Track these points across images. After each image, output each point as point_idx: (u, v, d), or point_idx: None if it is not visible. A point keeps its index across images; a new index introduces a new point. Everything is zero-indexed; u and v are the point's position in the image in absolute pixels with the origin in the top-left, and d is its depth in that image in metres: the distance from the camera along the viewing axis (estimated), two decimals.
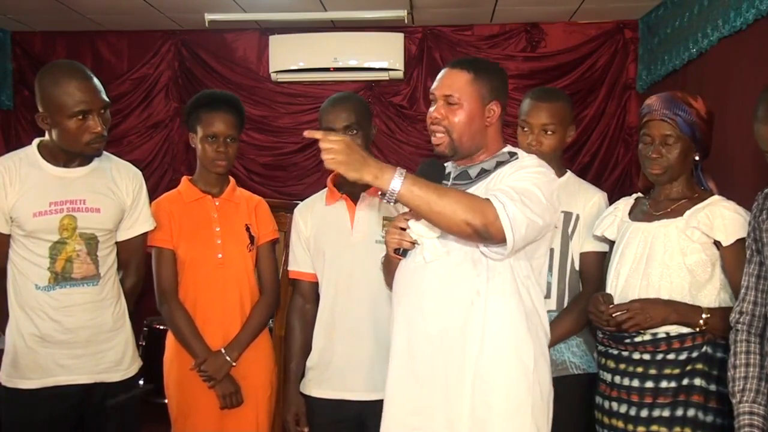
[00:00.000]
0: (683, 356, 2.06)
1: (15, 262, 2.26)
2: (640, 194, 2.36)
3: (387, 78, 4.89)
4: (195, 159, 2.61)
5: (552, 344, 2.15)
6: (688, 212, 2.13)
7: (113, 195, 2.33)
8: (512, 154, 2.00)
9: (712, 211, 2.09)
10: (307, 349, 2.48)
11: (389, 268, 2.11)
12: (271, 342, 2.67)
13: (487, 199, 1.76)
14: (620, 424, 2.11)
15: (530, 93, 2.56)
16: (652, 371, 2.08)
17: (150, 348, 3.74)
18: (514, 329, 1.86)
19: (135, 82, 5.05)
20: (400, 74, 4.85)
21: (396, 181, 1.73)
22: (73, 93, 2.17)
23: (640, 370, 2.10)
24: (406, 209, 1.93)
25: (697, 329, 2.05)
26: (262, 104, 5.02)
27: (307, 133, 1.80)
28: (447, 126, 1.94)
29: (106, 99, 2.25)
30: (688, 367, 2.05)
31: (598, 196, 2.48)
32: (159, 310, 2.53)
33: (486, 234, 1.74)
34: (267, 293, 2.60)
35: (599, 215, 2.39)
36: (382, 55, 4.79)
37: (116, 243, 2.39)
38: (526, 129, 2.47)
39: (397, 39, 4.81)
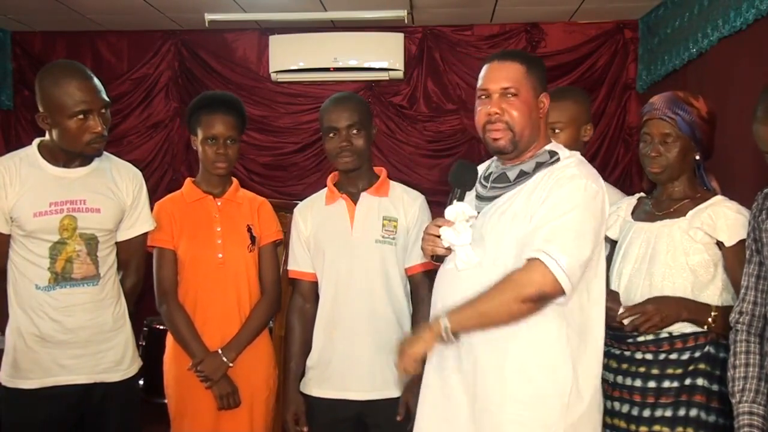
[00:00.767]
0: (686, 356, 2.06)
1: (15, 262, 2.26)
2: (642, 194, 2.35)
3: (387, 78, 4.88)
4: (195, 159, 2.62)
5: None
6: (690, 212, 2.13)
7: (113, 195, 2.33)
8: (552, 154, 1.92)
9: (715, 211, 2.09)
10: (306, 348, 2.48)
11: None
12: (270, 343, 2.67)
13: (533, 261, 1.72)
14: (622, 424, 2.10)
15: None
16: (655, 371, 2.07)
17: (150, 348, 3.73)
18: (549, 348, 1.81)
19: (135, 82, 5.05)
20: (400, 74, 4.85)
21: (444, 323, 1.77)
22: (73, 93, 2.17)
23: (642, 369, 2.09)
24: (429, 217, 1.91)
25: (706, 327, 2.05)
26: (262, 104, 5.02)
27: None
28: (509, 121, 1.88)
29: (107, 99, 2.25)
30: (691, 367, 2.04)
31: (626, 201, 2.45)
32: (158, 310, 2.53)
33: (545, 297, 1.74)
34: (267, 294, 2.59)
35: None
36: (382, 55, 4.79)
37: (116, 243, 2.38)
38: None
39: (397, 39, 4.81)
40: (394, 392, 2.32)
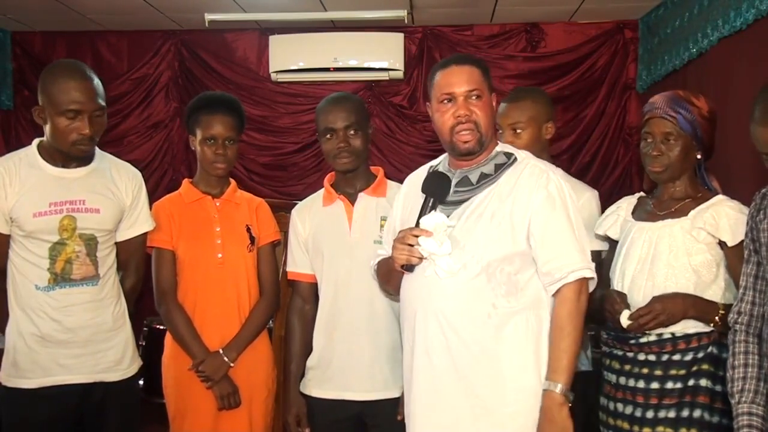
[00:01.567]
0: (689, 357, 2.05)
1: (15, 263, 2.26)
2: (642, 193, 2.35)
3: (387, 78, 4.88)
4: (195, 159, 2.61)
5: None
6: (692, 212, 2.12)
7: (113, 195, 2.33)
8: (508, 155, 2.01)
9: (717, 211, 2.08)
10: (306, 349, 2.47)
11: (390, 279, 2.10)
12: (269, 343, 2.66)
13: (582, 282, 1.88)
14: (625, 426, 2.10)
15: None
16: (658, 372, 2.07)
17: (150, 348, 3.73)
18: (535, 339, 1.88)
19: (135, 82, 5.05)
20: (400, 74, 4.85)
21: (562, 389, 1.84)
22: (68, 91, 2.17)
23: (645, 371, 2.09)
24: (412, 224, 1.93)
25: (712, 325, 2.05)
26: (262, 104, 5.02)
27: None
28: (477, 121, 1.94)
29: (102, 103, 2.24)
30: (694, 368, 2.04)
31: (588, 194, 2.49)
32: (157, 310, 2.53)
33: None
34: (266, 294, 2.59)
35: (591, 214, 2.39)
36: (382, 55, 4.79)
37: (116, 243, 2.38)
38: (499, 131, 2.49)
39: (397, 39, 4.81)
40: (394, 392, 2.32)
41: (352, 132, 2.38)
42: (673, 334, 2.07)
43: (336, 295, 2.39)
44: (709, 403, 2.02)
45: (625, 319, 2.08)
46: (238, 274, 2.53)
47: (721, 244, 2.08)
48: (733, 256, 2.05)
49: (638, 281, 2.14)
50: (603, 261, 2.34)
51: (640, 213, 2.27)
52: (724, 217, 2.07)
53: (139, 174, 2.46)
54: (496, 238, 1.88)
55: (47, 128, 2.23)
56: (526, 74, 4.86)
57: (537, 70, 4.86)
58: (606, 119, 4.85)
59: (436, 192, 1.96)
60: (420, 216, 1.91)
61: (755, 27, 3.15)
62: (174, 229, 2.51)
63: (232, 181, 2.64)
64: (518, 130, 2.48)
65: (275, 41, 4.85)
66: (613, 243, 2.32)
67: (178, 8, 4.51)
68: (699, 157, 2.18)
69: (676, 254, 2.10)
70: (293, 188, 4.94)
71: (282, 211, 2.81)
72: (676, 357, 2.06)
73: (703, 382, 2.03)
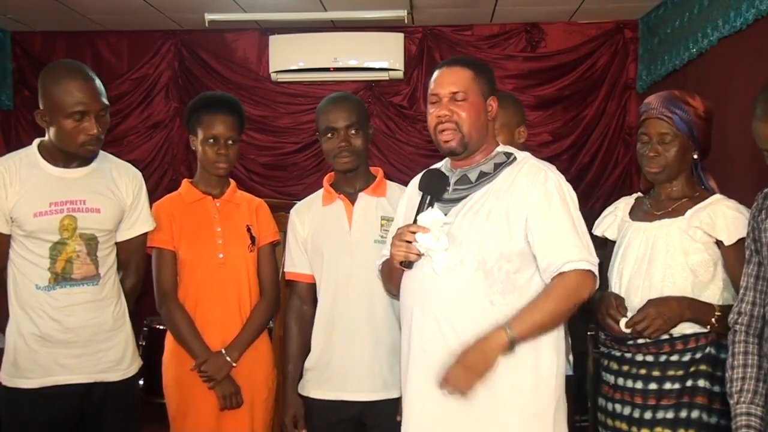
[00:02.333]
0: (687, 357, 2.05)
1: (15, 262, 2.26)
2: (640, 194, 2.35)
3: (387, 78, 4.89)
4: (195, 159, 2.61)
5: None
6: (689, 212, 2.12)
7: (113, 195, 2.33)
8: (508, 155, 2.02)
9: (714, 210, 2.08)
10: (304, 350, 2.47)
11: (391, 277, 2.11)
12: (269, 344, 2.66)
13: (582, 272, 1.86)
14: (624, 427, 2.10)
15: None
16: (656, 373, 2.07)
17: (150, 348, 3.74)
18: (532, 341, 1.88)
19: (135, 82, 5.05)
20: (400, 74, 4.85)
21: (510, 334, 1.82)
22: (72, 93, 2.16)
23: (643, 371, 2.09)
24: (410, 221, 1.93)
25: (708, 327, 2.05)
26: (262, 104, 5.02)
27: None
28: (458, 121, 1.95)
29: (106, 102, 2.25)
30: (692, 369, 2.04)
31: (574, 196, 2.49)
32: (158, 311, 2.52)
33: (585, 300, 1.90)
34: (266, 295, 2.59)
35: None
36: (382, 55, 4.80)
37: (116, 243, 2.38)
38: None
39: (397, 39, 4.81)
40: (393, 393, 2.32)
41: (352, 132, 2.38)
42: (671, 334, 2.07)
43: (335, 295, 2.38)
44: (708, 403, 2.02)
45: (623, 327, 2.09)
46: (239, 274, 2.53)
47: (719, 243, 2.08)
48: (730, 256, 2.05)
49: (635, 281, 2.14)
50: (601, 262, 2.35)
51: (637, 213, 2.27)
52: (720, 217, 2.07)
53: (139, 174, 2.46)
54: (492, 235, 1.89)
55: (52, 131, 2.22)
56: (526, 74, 4.86)
57: (537, 70, 4.86)
58: (606, 119, 4.85)
59: (433, 189, 1.98)
60: (417, 213, 1.94)
61: (755, 27, 3.15)
62: (175, 229, 2.51)
63: (232, 182, 2.64)
64: None
65: (275, 41, 4.85)
66: (611, 244, 2.31)
67: (178, 8, 4.51)
68: (695, 156, 2.18)
69: (673, 254, 2.10)
70: (293, 188, 4.94)
71: (282, 211, 2.81)
72: (674, 358, 2.06)
73: (701, 383, 2.03)
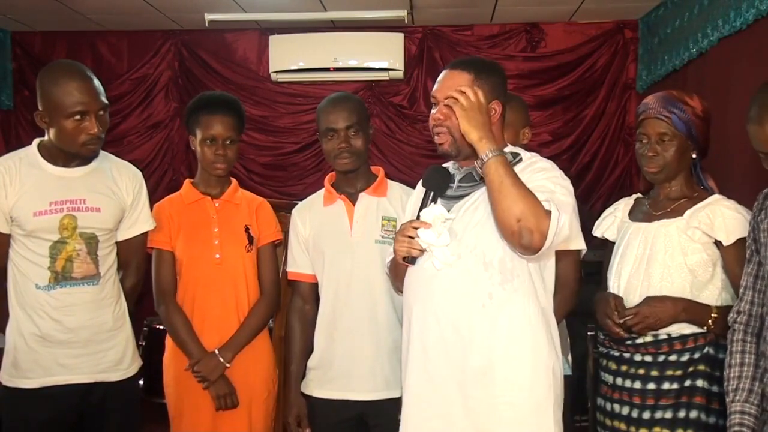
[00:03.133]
0: (685, 357, 2.06)
1: (15, 262, 2.26)
2: (639, 194, 2.35)
3: (387, 78, 4.89)
4: (195, 159, 2.61)
5: None
6: (688, 212, 2.12)
7: (113, 195, 2.33)
8: (515, 155, 2.01)
9: (712, 210, 2.09)
10: (307, 350, 2.47)
11: (397, 273, 2.12)
12: (270, 343, 2.66)
13: (548, 211, 1.78)
14: (622, 426, 2.10)
15: None
16: (654, 373, 2.07)
17: (150, 348, 3.74)
18: (531, 330, 1.89)
19: (135, 82, 5.05)
20: (400, 74, 4.85)
21: (489, 154, 1.81)
22: (71, 93, 2.17)
23: (641, 371, 2.09)
24: (410, 215, 1.94)
25: (705, 329, 2.05)
26: (262, 104, 5.02)
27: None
28: (450, 126, 1.96)
29: (105, 101, 2.25)
30: (690, 369, 2.04)
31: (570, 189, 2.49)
32: (156, 311, 2.53)
33: (525, 239, 1.78)
34: (266, 294, 2.59)
35: None
36: (382, 55, 4.79)
37: (116, 243, 2.38)
38: None
39: (397, 39, 4.81)
40: (395, 392, 2.32)
41: (352, 132, 2.38)
42: (669, 334, 2.07)
43: (337, 295, 2.39)
44: (706, 403, 2.02)
45: (617, 322, 2.09)
46: (236, 274, 2.53)
47: (717, 243, 2.08)
48: (729, 256, 2.06)
49: (634, 281, 2.14)
50: (601, 262, 2.35)
51: (636, 214, 2.28)
52: (719, 217, 2.07)
53: (139, 173, 2.46)
54: (492, 230, 1.89)
55: (52, 131, 2.23)
56: (526, 74, 4.86)
57: (537, 70, 4.86)
58: (606, 119, 4.85)
59: (436, 186, 1.99)
60: (420, 209, 1.94)
61: (755, 27, 3.15)
62: (173, 229, 2.52)
63: (234, 181, 2.64)
64: None
65: (275, 41, 4.85)
66: (611, 245, 2.32)
67: (178, 8, 4.51)
68: (694, 156, 2.19)
69: (672, 254, 2.10)
70: (293, 188, 4.95)
71: (282, 211, 2.81)
72: (673, 357, 2.07)
73: (700, 383, 2.03)
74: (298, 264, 2.50)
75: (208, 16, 4.52)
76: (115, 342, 2.34)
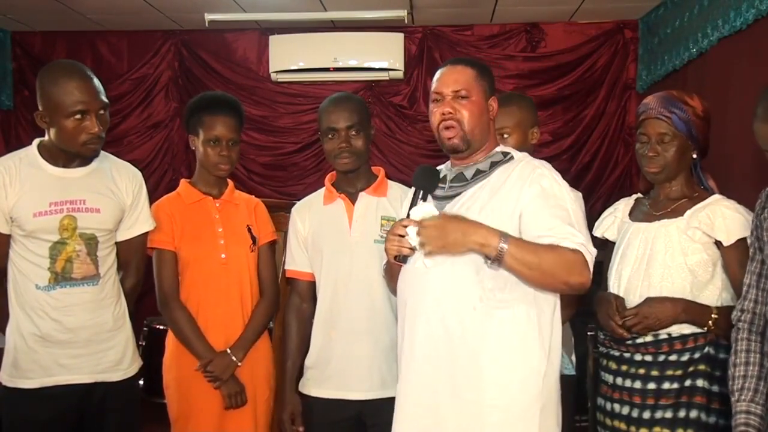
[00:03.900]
0: (685, 357, 2.06)
1: (15, 262, 2.26)
2: (639, 194, 2.36)
3: (387, 78, 4.89)
4: (195, 159, 2.61)
5: None
6: (688, 212, 2.13)
7: (113, 195, 2.33)
8: (505, 154, 2.03)
9: (713, 210, 2.09)
10: (303, 348, 2.48)
11: (392, 274, 2.12)
12: (270, 343, 2.67)
13: (576, 252, 1.80)
14: (622, 426, 2.10)
15: None
16: (654, 372, 2.07)
17: (150, 348, 3.74)
18: (523, 335, 1.88)
19: (135, 82, 5.05)
20: (400, 74, 4.85)
21: (501, 249, 1.78)
22: (71, 93, 2.16)
23: (642, 371, 2.09)
24: (403, 215, 1.94)
25: (706, 329, 2.05)
26: (262, 104, 5.02)
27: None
28: (460, 119, 1.97)
29: (105, 100, 2.25)
30: (691, 368, 2.04)
31: (572, 195, 2.49)
32: (161, 312, 2.52)
33: (576, 289, 1.84)
34: (266, 295, 2.60)
35: None
36: (382, 55, 4.80)
37: (116, 243, 2.38)
38: None
39: (397, 39, 4.81)
40: (392, 392, 2.31)
41: (353, 132, 2.38)
42: (669, 334, 2.07)
43: (335, 294, 2.39)
44: (706, 403, 2.02)
45: (629, 320, 2.09)
46: (241, 274, 2.53)
47: (718, 243, 2.08)
48: (729, 256, 2.06)
49: (634, 281, 2.14)
50: (601, 262, 2.35)
51: (636, 214, 2.28)
52: (719, 217, 2.07)
53: (139, 174, 2.46)
54: None
55: (52, 131, 2.22)
56: (526, 74, 4.86)
57: (537, 70, 4.86)
58: (606, 119, 4.85)
59: (425, 184, 2.00)
60: (410, 208, 1.94)
61: (755, 27, 3.16)
62: (176, 230, 2.51)
63: (230, 182, 2.64)
64: (505, 135, 2.51)
65: (275, 41, 4.85)
66: (611, 245, 2.32)
67: (178, 8, 4.51)
68: (695, 156, 2.19)
69: (672, 254, 2.10)
70: (293, 188, 4.95)
71: (282, 211, 2.82)
72: (673, 357, 2.07)
73: (700, 383, 2.03)
74: (296, 262, 2.50)
75: (208, 16, 4.52)
76: (115, 342, 2.34)
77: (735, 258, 2.03)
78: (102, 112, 2.23)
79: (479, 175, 2.00)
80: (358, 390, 2.35)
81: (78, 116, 2.18)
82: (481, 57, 4.77)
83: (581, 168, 4.83)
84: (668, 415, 2.03)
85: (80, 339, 2.26)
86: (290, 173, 5.05)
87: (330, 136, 2.40)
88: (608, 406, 2.16)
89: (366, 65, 4.80)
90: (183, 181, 2.64)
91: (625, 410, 2.11)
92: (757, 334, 1.88)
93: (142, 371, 2.44)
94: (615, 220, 2.31)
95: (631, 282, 2.15)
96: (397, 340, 2.14)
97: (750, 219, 1.97)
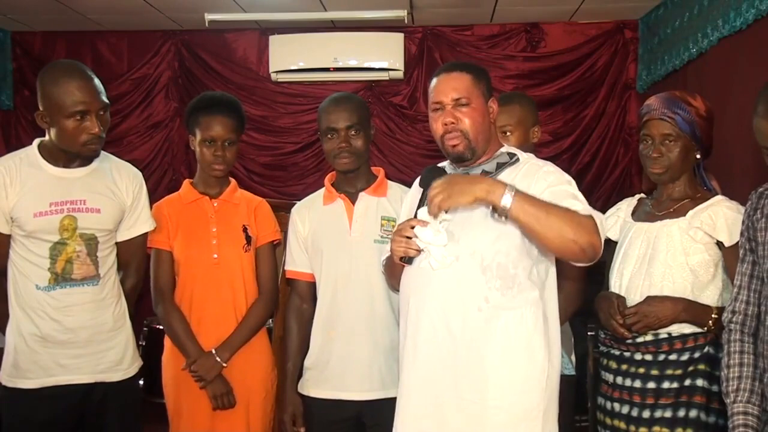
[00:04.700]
0: (685, 357, 2.06)
1: (15, 263, 2.26)
2: (643, 195, 2.36)
3: (387, 78, 4.89)
4: (195, 159, 2.62)
5: None
6: (690, 212, 2.13)
7: (113, 195, 2.33)
8: (511, 155, 2.03)
9: (714, 211, 2.09)
10: (304, 348, 2.47)
11: (393, 272, 2.12)
12: (268, 343, 2.66)
13: (588, 216, 1.78)
14: (622, 425, 2.11)
15: None
16: (654, 372, 2.08)
17: (150, 348, 3.73)
18: (528, 337, 1.88)
19: (135, 82, 5.05)
20: (400, 74, 4.85)
21: (507, 197, 1.73)
22: (72, 93, 2.16)
23: (642, 370, 2.10)
24: (411, 216, 1.94)
25: (706, 329, 2.05)
26: (262, 104, 5.02)
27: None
28: (462, 129, 1.96)
29: (106, 100, 2.25)
30: (690, 368, 2.05)
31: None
32: (154, 310, 2.53)
33: (588, 253, 1.79)
34: (264, 294, 2.59)
35: None
36: (382, 55, 4.79)
37: (116, 243, 2.38)
38: None
39: (397, 39, 4.81)
40: (392, 392, 2.31)
41: (353, 132, 2.38)
42: (669, 334, 2.08)
43: (335, 295, 2.39)
44: (706, 403, 2.02)
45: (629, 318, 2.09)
46: (233, 274, 2.53)
47: (719, 244, 2.08)
48: (731, 257, 2.05)
49: (636, 281, 2.15)
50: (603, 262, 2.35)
51: (639, 214, 2.28)
52: (721, 218, 2.07)
53: (139, 174, 2.46)
54: (490, 231, 1.89)
55: (53, 131, 2.23)
56: (526, 74, 4.86)
57: (537, 70, 4.86)
58: (606, 119, 4.85)
59: (431, 183, 1.98)
60: (418, 208, 1.94)
61: (755, 27, 3.16)
62: (171, 229, 2.52)
63: (233, 181, 2.64)
64: (507, 133, 2.53)
65: (275, 41, 4.85)
66: (613, 245, 2.32)
67: (178, 8, 4.51)
68: (698, 156, 2.19)
69: (674, 254, 2.11)
70: (293, 188, 4.94)
71: (282, 211, 2.81)
72: (673, 357, 2.07)
73: (700, 382, 2.03)
74: (296, 263, 2.50)
75: (208, 16, 4.52)
76: (115, 342, 2.34)
77: (736, 259, 2.02)
78: (102, 112, 2.23)
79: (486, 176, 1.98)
80: (358, 390, 2.35)
81: (78, 116, 2.18)
82: (481, 57, 4.78)
83: (581, 168, 4.83)
84: (668, 414, 2.03)
85: (80, 339, 2.26)
86: (290, 173, 5.05)
87: (330, 136, 2.40)
88: (608, 405, 2.17)
89: (366, 65, 4.80)
90: (185, 182, 2.65)
91: (625, 409, 2.11)
92: (749, 335, 1.88)
93: (142, 371, 2.44)
94: (618, 219, 2.32)
95: (632, 281, 2.15)
96: (396, 341, 2.15)
97: (743, 219, 1.97)
